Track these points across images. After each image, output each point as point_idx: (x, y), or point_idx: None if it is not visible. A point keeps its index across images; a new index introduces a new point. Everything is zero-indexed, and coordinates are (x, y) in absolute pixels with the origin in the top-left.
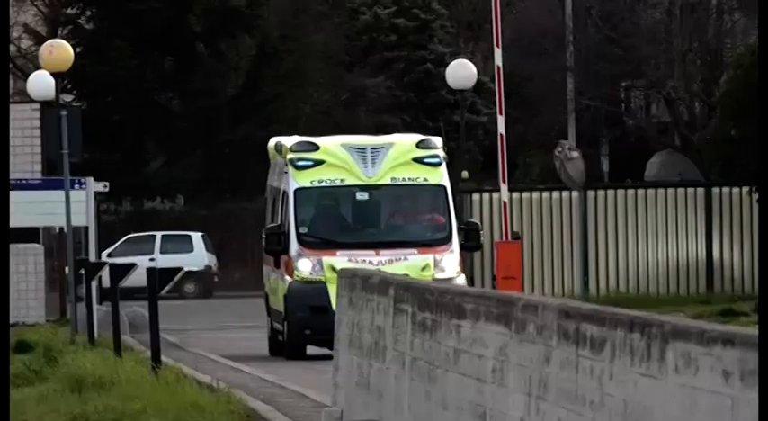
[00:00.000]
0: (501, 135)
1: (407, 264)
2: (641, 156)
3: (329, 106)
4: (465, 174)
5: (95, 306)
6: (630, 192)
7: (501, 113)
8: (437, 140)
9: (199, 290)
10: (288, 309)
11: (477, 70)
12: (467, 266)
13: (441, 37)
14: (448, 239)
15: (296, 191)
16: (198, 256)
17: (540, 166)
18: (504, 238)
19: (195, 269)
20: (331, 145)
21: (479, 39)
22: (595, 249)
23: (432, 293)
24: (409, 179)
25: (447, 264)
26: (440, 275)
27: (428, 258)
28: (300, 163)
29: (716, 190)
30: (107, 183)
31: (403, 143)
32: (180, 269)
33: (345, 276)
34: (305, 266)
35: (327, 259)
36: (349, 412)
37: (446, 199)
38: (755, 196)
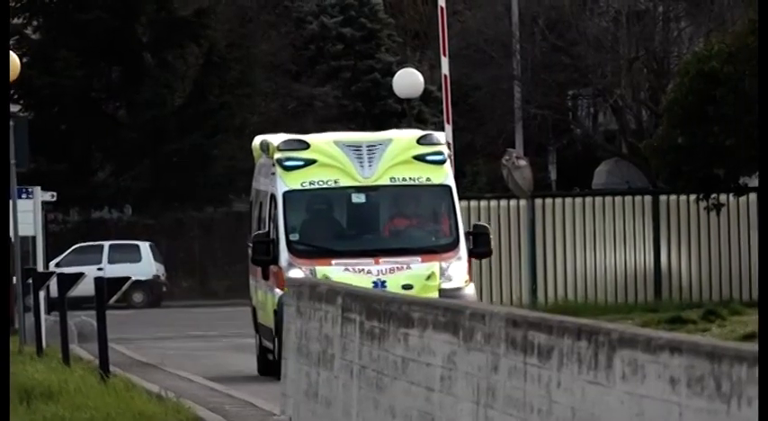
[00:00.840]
0: (448, 143)
1: (410, 273)
2: (588, 164)
3: (276, 116)
4: None
5: (43, 316)
6: (578, 200)
7: (448, 122)
8: (440, 136)
9: (147, 299)
10: (278, 325)
11: (424, 79)
12: None
13: (387, 46)
14: (455, 245)
15: (285, 194)
16: (146, 266)
17: (487, 175)
18: None
19: (143, 278)
20: (323, 142)
21: (426, 47)
22: (543, 257)
23: (379, 302)
24: (410, 179)
25: (454, 273)
26: (447, 285)
27: (433, 266)
28: (289, 163)
29: (663, 198)
30: (54, 193)
31: (402, 139)
32: (128, 278)
33: (293, 285)
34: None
35: (321, 269)
36: (298, 420)
37: (451, 200)
38: (702, 204)
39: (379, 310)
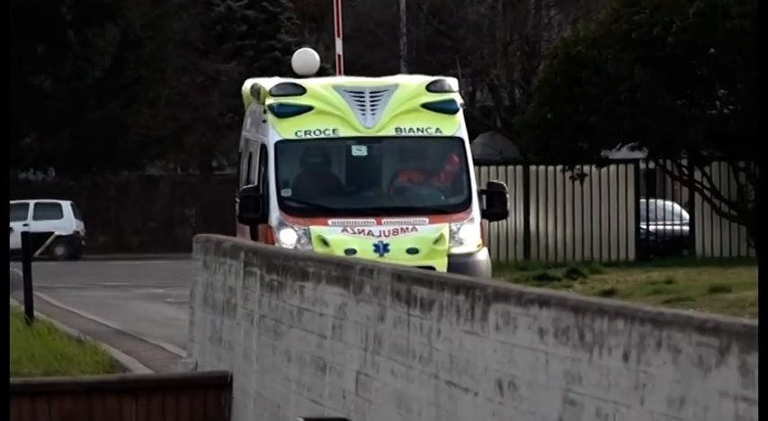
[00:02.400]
0: None
1: (416, 235)
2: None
3: (186, 89)
4: None
5: None
6: None
7: None
8: (452, 82)
9: (68, 252)
10: None
11: (320, 58)
12: None
13: (287, 28)
14: (467, 204)
15: (277, 144)
16: (67, 222)
17: None
18: None
19: (65, 234)
20: (320, 87)
21: (322, 30)
22: None
23: (278, 258)
24: (418, 130)
25: (466, 236)
26: (457, 250)
27: (442, 228)
28: (282, 109)
29: (533, 168)
30: None
31: (410, 85)
32: (51, 234)
33: (200, 241)
34: (288, 238)
35: (316, 229)
36: (203, 363)
37: (464, 154)
38: (568, 174)
39: (278, 265)
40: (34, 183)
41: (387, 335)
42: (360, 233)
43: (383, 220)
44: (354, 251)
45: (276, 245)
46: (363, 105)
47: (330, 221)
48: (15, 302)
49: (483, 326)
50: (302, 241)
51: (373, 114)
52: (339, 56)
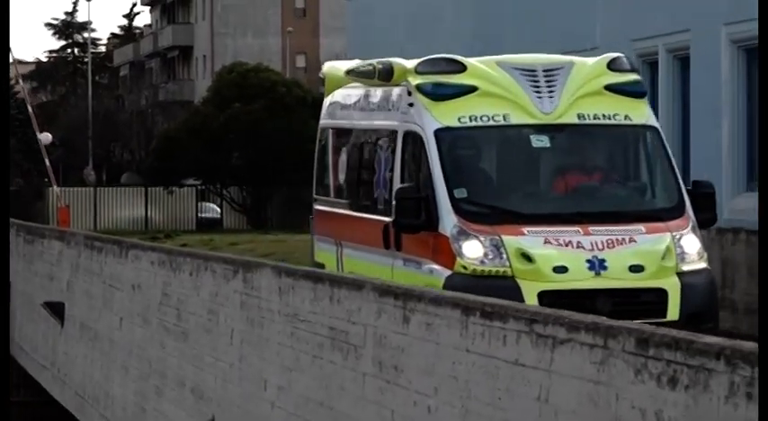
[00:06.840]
0: (48, 167)
1: (637, 248)
2: (120, 172)
3: None
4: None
5: None
6: (115, 189)
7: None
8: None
9: None
10: None
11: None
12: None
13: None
14: (681, 208)
15: (437, 133)
16: None
17: (80, 177)
18: (61, 206)
19: None
20: (483, 64)
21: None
22: (103, 210)
23: (30, 228)
24: (604, 116)
25: (690, 248)
26: (686, 266)
27: (665, 239)
28: (439, 91)
29: (152, 189)
30: None
31: (587, 63)
32: None
33: (16, 223)
34: (473, 251)
35: (512, 240)
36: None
37: (663, 147)
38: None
39: (31, 231)
40: None
41: (82, 264)
42: (567, 245)
43: (590, 229)
44: (566, 269)
45: (458, 259)
46: (538, 86)
47: (526, 230)
48: None
49: (125, 260)
50: (490, 255)
51: (551, 97)
52: (49, 141)
